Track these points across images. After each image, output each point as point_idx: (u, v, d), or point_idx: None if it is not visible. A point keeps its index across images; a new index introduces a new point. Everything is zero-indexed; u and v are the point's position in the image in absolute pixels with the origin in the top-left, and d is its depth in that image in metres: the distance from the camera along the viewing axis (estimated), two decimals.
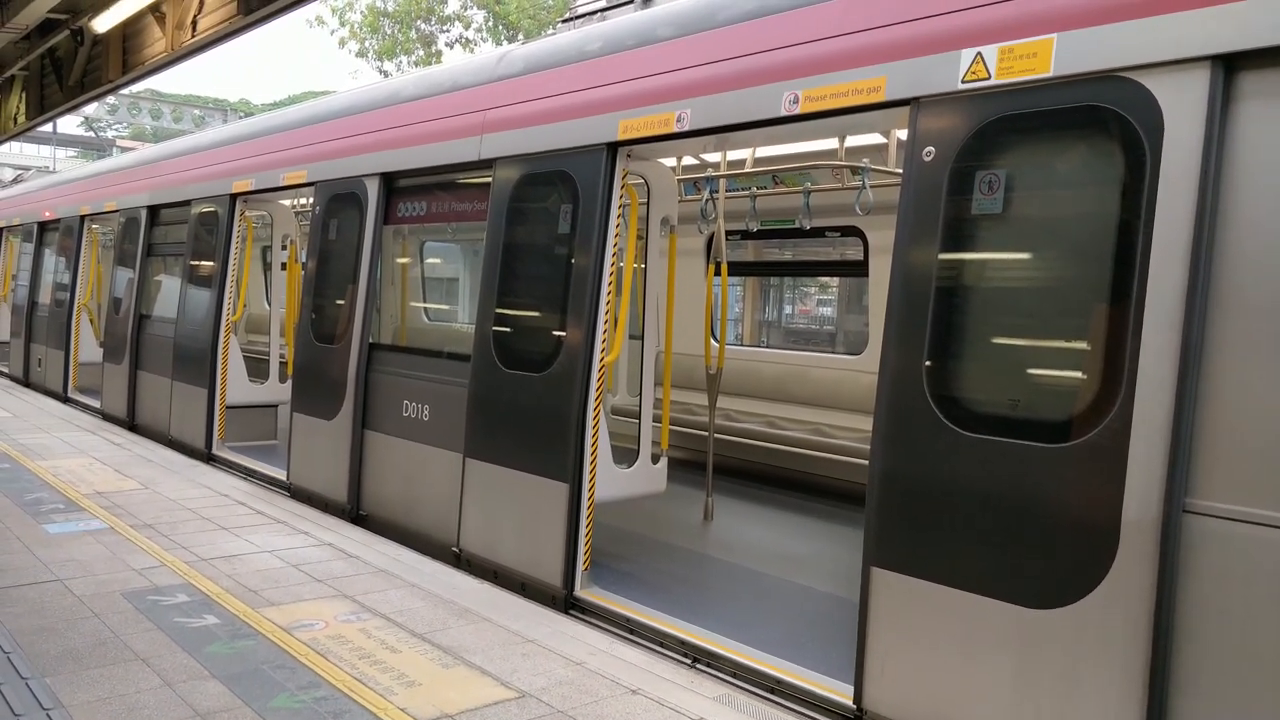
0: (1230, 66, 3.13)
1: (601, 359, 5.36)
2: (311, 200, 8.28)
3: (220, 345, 9.33)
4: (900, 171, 4.27)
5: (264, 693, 3.84)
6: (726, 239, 7.20)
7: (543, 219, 5.78)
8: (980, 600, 3.56)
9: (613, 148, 5.37)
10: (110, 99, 35.70)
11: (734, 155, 6.58)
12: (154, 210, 11.26)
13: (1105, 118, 3.39)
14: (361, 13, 27.90)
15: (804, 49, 4.47)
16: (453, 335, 9.91)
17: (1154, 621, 3.14)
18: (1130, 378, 3.24)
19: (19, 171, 29.96)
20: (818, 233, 8.34)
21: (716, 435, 7.48)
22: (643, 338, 6.35)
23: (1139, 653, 3.17)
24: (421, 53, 28.15)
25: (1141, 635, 3.17)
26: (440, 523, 6.35)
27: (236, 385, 9.51)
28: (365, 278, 7.21)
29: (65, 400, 13.32)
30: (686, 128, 4.94)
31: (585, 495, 5.34)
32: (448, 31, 28.38)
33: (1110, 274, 3.35)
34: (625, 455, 5.99)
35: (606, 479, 5.59)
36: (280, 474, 8.25)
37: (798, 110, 4.43)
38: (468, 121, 6.42)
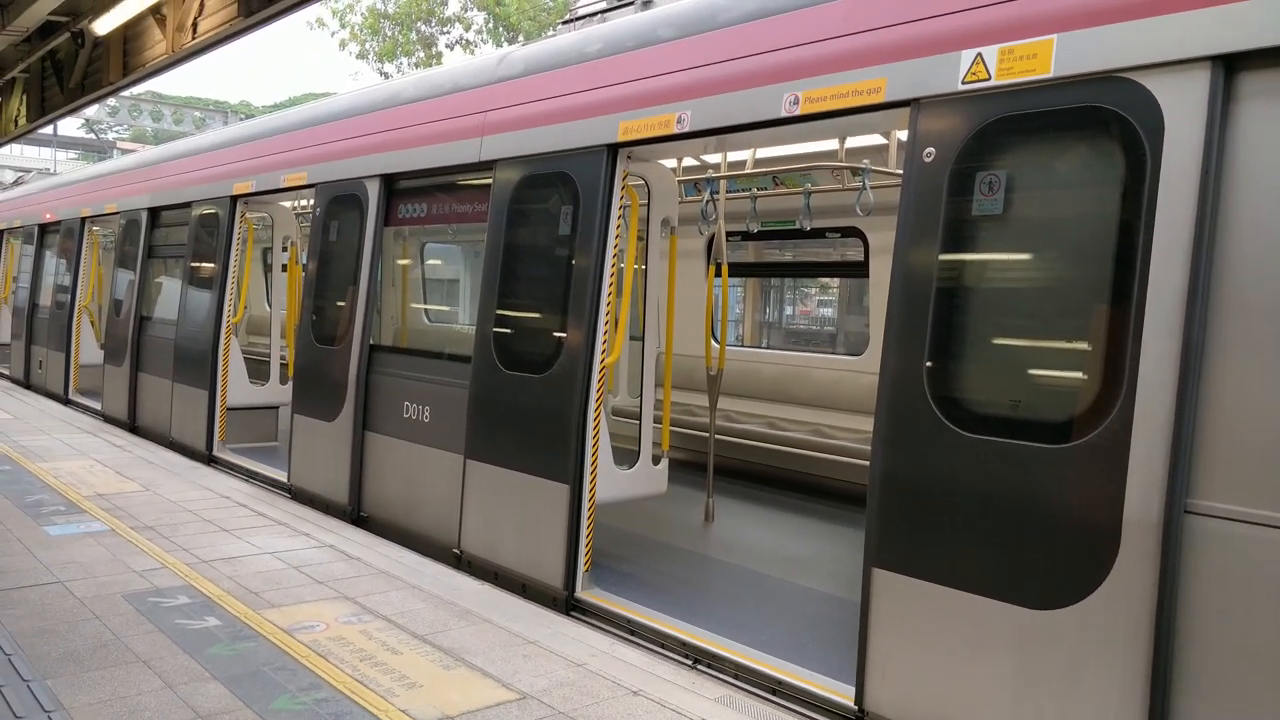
0: (1231, 67, 3.13)
1: (602, 360, 5.36)
2: (312, 202, 8.28)
3: (221, 347, 9.33)
4: (901, 172, 4.27)
5: (265, 694, 3.84)
6: (727, 240, 7.20)
7: (543, 220, 5.79)
8: (982, 601, 3.56)
9: (613, 149, 5.37)
10: (111, 101, 35.70)
11: (734, 156, 6.58)
12: (155, 212, 11.27)
13: (1105, 118, 3.39)
14: (362, 15, 27.95)
15: (804, 50, 4.47)
16: (453, 337, 9.92)
17: (1155, 622, 3.14)
18: (1131, 378, 3.23)
19: (20, 174, 29.97)
20: (818, 234, 8.35)
21: (717, 436, 7.48)
22: (643, 339, 6.36)
23: (1141, 653, 3.17)
24: (422, 54, 28.18)
25: (1143, 636, 3.17)
26: (441, 524, 6.35)
27: (237, 387, 9.52)
28: (366, 279, 7.21)
29: (66, 402, 13.33)
30: (687, 129, 4.94)
31: (586, 496, 5.34)
32: (448, 33, 28.42)
33: (1111, 274, 3.35)
34: (626, 456, 5.99)
35: (607, 480, 5.59)
36: (281, 476, 8.25)
37: (798, 111, 4.43)
38: (468, 123, 6.43)
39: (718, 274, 7.06)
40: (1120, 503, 3.22)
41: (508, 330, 5.94)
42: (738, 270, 9.94)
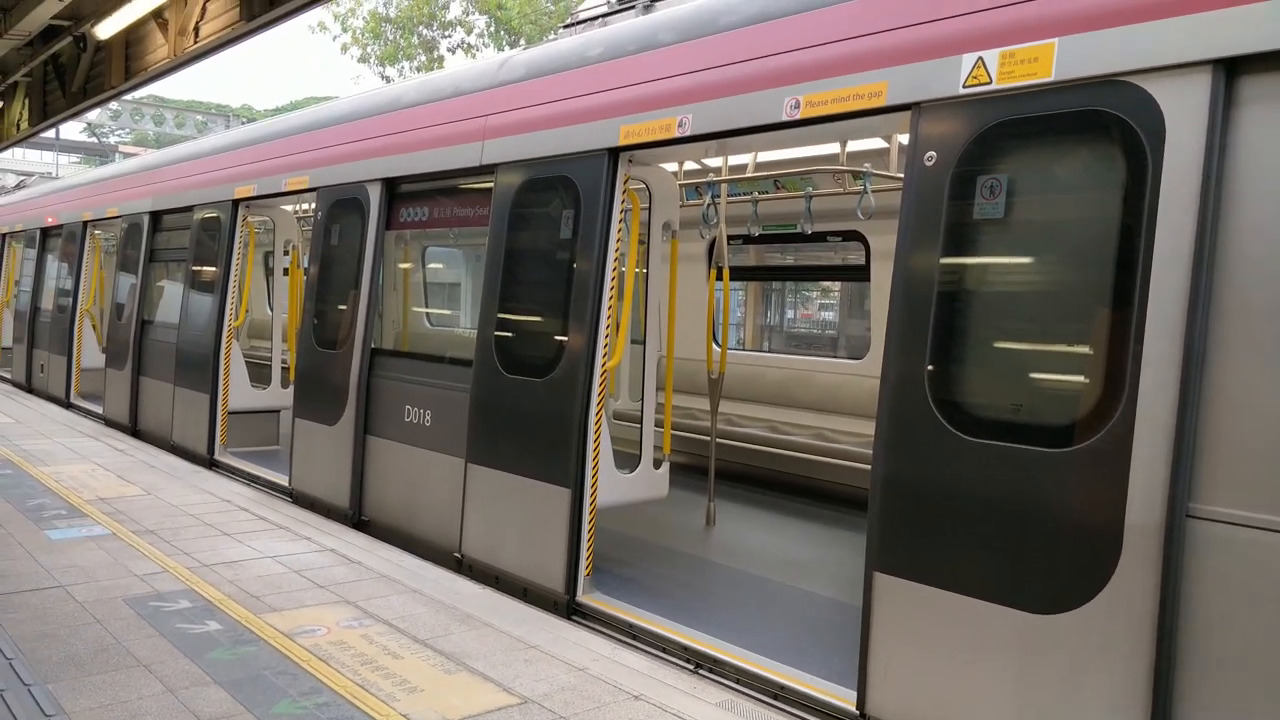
0: (1232, 70, 3.13)
1: (603, 364, 5.36)
2: (313, 206, 8.29)
3: (222, 351, 9.33)
4: (902, 176, 4.27)
5: (266, 699, 3.84)
6: (728, 244, 7.20)
7: (544, 224, 5.79)
8: (983, 605, 3.55)
9: (614, 153, 5.37)
10: (113, 105, 35.79)
11: (735, 160, 6.58)
12: (156, 216, 11.28)
13: (1107, 122, 3.39)
14: (364, 18, 27.98)
15: (805, 54, 4.47)
16: (454, 340, 9.92)
17: (1157, 626, 3.13)
18: (1133, 382, 3.23)
19: (22, 177, 30.01)
20: (819, 237, 8.35)
21: (718, 440, 7.48)
22: (644, 343, 6.36)
23: (1142, 658, 3.16)
24: (423, 58, 28.21)
25: (1145, 640, 3.16)
26: (442, 528, 6.35)
27: (239, 391, 9.52)
28: (367, 283, 7.22)
29: (67, 406, 13.34)
30: (688, 133, 4.94)
31: (587, 500, 5.34)
32: (449, 37, 28.44)
33: (1112, 278, 3.35)
34: (627, 460, 5.98)
35: (608, 484, 5.58)
36: (282, 479, 8.25)
37: (799, 115, 4.43)
38: (469, 127, 6.43)
39: (719, 278, 7.06)
40: (1122, 507, 3.22)
41: (509, 334, 5.94)
42: (739, 274, 9.94)
